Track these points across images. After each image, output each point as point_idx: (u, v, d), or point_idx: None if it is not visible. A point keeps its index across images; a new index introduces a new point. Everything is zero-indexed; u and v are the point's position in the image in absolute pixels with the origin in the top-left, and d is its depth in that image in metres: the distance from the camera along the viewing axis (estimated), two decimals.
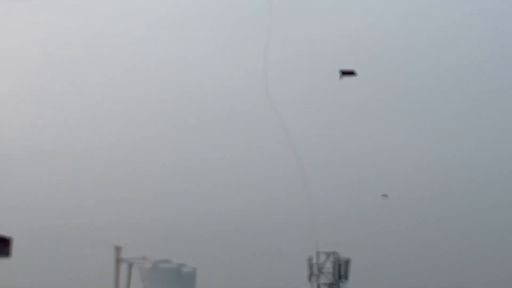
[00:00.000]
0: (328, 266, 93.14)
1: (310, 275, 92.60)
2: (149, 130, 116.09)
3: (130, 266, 32.79)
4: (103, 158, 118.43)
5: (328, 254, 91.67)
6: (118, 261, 32.42)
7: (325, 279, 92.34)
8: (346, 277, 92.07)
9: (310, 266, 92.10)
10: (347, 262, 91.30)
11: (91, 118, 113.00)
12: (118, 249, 33.00)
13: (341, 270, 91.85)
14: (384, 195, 79.38)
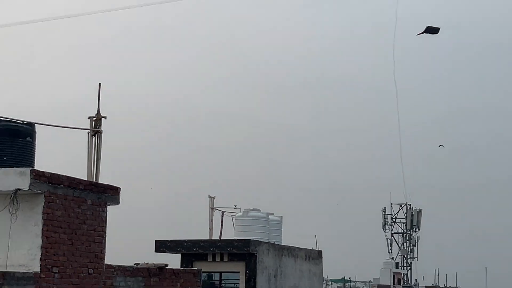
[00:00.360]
0: (401, 216, 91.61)
1: (384, 225, 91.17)
2: None
3: (222, 214, 31.60)
4: None
5: (401, 205, 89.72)
6: (212, 209, 31.19)
7: (398, 228, 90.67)
8: (418, 227, 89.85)
9: (384, 217, 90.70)
10: (419, 212, 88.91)
11: None
12: (212, 198, 31.84)
13: (413, 220, 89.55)
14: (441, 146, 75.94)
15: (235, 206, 32.05)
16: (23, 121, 17.01)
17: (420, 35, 29.57)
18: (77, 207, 16.24)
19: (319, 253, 34.01)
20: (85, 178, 17.68)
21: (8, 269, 14.54)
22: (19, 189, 14.96)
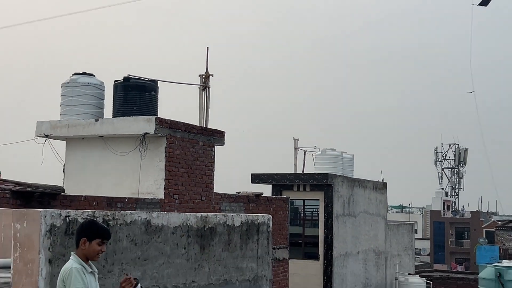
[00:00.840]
0: (450, 154, 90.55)
1: (436, 161, 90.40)
2: None
3: (305, 153, 31.69)
4: None
5: (450, 145, 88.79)
6: (296, 149, 31.38)
7: (448, 164, 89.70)
8: (464, 162, 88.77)
9: (436, 154, 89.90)
10: (465, 151, 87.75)
11: None
12: (296, 140, 32.03)
13: (461, 157, 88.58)
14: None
15: (315, 146, 32.30)
16: (148, 79, 17.43)
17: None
18: (192, 147, 16.71)
19: (384, 184, 34.10)
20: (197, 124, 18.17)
21: (140, 196, 15.12)
22: (147, 133, 15.52)
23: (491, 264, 24.18)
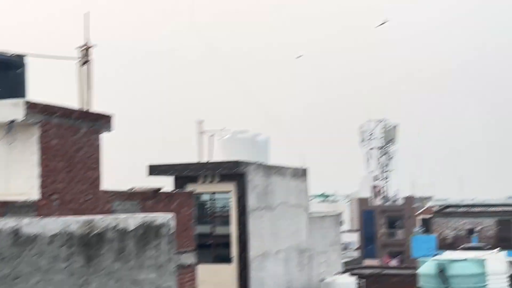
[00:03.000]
0: (378, 132, 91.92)
1: (362, 140, 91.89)
2: None
3: (211, 138, 31.09)
4: None
5: (377, 122, 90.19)
6: (201, 133, 30.70)
7: (375, 143, 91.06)
8: (394, 141, 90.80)
9: (361, 133, 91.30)
10: (394, 127, 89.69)
11: None
12: (200, 123, 31.28)
13: (390, 135, 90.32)
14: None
15: (223, 128, 31.82)
16: (13, 53, 16.57)
17: None
18: (72, 135, 15.98)
19: (304, 171, 34.03)
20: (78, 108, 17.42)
21: (8, 198, 14.29)
22: (14, 120, 14.65)
23: (429, 256, 24.38)
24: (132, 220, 8.29)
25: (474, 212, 59.22)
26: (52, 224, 7.53)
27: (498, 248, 25.62)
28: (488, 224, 56.47)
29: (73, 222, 7.78)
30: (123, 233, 8.19)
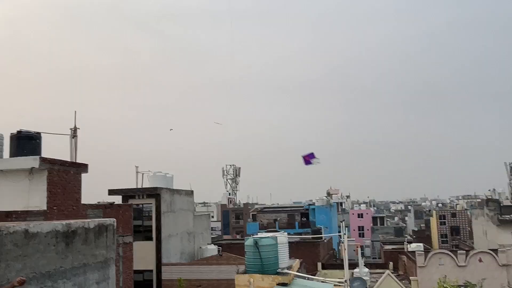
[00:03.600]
0: (231, 170, 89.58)
1: (223, 175, 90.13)
2: None
3: (142, 175, 30.09)
4: None
5: (231, 165, 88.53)
6: (137, 173, 29.63)
7: (230, 176, 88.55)
8: (239, 175, 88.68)
9: (223, 171, 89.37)
10: (239, 168, 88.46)
11: None
12: (137, 167, 30.07)
13: (236, 172, 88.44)
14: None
15: (149, 170, 31.35)
16: (34, 132, 15.88)
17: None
18: (65, 175, 15.31)
19: (192, 191, 33.82)
20: (69, 160, 16.76)
21: (30, 209, 13.52)
22: (33, 167, 14.02)
23: (254, 234, 24.95)
24: (92, 222, 8.14)
25: (277, 210, 60.38)
26: (46, 226, 7.29)
27: (285, 230, 26.25)
28: (283, 217, 57.67)
29: (59, 224, 7.55)
30: (87, 229, 8.03)
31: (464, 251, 31.25)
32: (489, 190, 71.60)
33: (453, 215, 66.78)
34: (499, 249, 30.86)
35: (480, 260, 30.14)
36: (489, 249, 31.54)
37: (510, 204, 47.34)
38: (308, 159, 19.51)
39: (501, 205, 45.64)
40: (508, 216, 43.09)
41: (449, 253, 30.87)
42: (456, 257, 30.42)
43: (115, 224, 9.15)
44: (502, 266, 29.91)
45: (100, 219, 8.74)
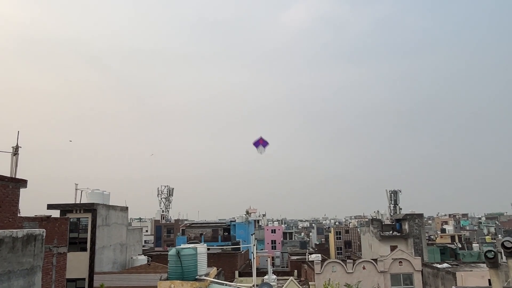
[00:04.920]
0: (165, 191, 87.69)
1: (158, 194, 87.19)
2: None
3: (81, 192, 28.32)
4: None
5: (165, 186, 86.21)
6: (76, 190, 27.95)
7: (163, 195, 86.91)
8: (172, 195, 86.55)
9: (158, 190, 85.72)
10: (173, 189, 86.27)
11: None
12: (76, 184, 28.48)
13: (170, 192, 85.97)
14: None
15: (88, 188, 29.59)
16: None
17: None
18: (4, 189, 14.04)
19: (127, 207, 32.34)
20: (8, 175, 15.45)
21: None
22: None
23: (182, 245, 24.23)
24: (20, 232, 7.49)
25: (203, 225, 59.27)
26: None
27: (209, 243, 25.81)
28: (209, 231, 56.70)
29: None
30: (15, 238, 7.37)
31: (352, 260, 32.52)
32: (374, 212, 75.95)
33: (347, 231, 70.28)
34: (378, 259, 32.46)
35: (364, 268, 31.47)
36: (372, 259, 33.07)
37: (389, 223, 50.23)
38: (262, 142, 18.36)
39: (383, 224, 48.35)
40: (388, 232, 45.82)
41: (340, 262, 31.94)
42: (345, 265, 31.55)
43: (44, 234, 8.51)
44: (380, 273, 31.44)
45: (29, 229, 8.07)
